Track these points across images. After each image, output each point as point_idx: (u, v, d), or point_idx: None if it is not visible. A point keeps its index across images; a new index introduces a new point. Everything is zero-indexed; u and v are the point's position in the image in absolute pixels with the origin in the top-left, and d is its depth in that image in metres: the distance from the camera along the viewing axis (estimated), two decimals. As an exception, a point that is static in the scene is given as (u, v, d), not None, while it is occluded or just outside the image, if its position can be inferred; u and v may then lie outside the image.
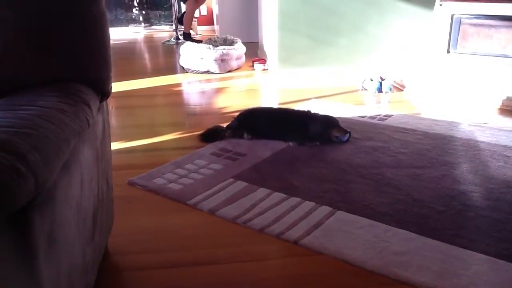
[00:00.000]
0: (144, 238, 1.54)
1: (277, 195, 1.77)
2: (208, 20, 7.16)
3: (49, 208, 0.73)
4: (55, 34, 1.06)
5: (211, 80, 3.90)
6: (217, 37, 4.70)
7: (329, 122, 2.37)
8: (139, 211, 1.71)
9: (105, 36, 1.15)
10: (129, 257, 1.44)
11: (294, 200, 1.73)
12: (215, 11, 6.47)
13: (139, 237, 1.54)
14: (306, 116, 2.39)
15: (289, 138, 2.32)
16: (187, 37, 5.88)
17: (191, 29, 6.03)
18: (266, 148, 2.25)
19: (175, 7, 6.20)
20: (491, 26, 3.13)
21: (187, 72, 4.15)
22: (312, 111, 2.44)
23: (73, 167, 0.87)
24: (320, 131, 2.32)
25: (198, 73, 4.09)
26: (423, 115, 2.84)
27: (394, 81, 3.50)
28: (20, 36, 1.04)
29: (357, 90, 3.44)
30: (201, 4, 5.92)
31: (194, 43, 5.96)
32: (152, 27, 7.46)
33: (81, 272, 0.95)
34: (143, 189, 1.86)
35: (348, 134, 2.37)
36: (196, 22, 6.76)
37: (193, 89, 3.72)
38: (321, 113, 2.43)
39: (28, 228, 0.65)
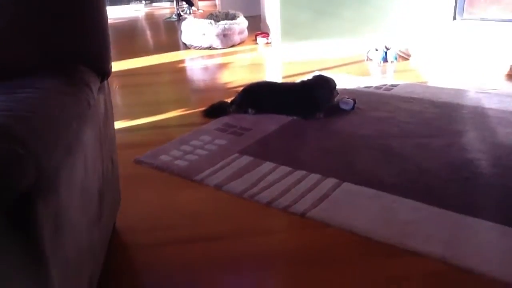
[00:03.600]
0: (151, 215, 1.55)
1: (283, 169, 1.77)
2: (209, -6, 7.06)
3: (53, 192, 0.72)
4: (51, 15, 1.05)
5: (214, 56, 3.87)
6: (219, 12, 4.64)
7: (331, 85, 2.36)
8: (146, 189, 1.72)
9: (102, 14, 1.13)
10: (137, 235, 1.45)
11: (300, 173, 1.73)
12: (216, -15, 6.37)
13: (146, 215, 1.55)
14: (307, 86, 2.37)
15: (293, 112, 2.31)
16: None
17: None
18: (271, 122, 2.24)
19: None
20: (498, -11, 3.05)
21: (189, 48, 4.12)
22: (305, 79, 2.44)
23: (76, 150, 0.87)
24: (330, 94, 2.33)
25: (200, 49, 4.05)
26: (429, 84, 2.80)
27: (400, 50, 3.45)
28: (16, 18, 1.02)
29: (362, 61, 3.40)
30: None
31: (185, 2, 5.96)
32: (153, 4, 7.38)
33: (89, 253, 0.96)
34: (149, 166, 1.86)
35: (353, 103, 2.35)
36: (197, -3, 6.68)
37: (196, 65, 3.69)
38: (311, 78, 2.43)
39: (32, 214, 0.64)
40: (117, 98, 2.90)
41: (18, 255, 0.64)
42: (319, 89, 2.33)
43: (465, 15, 3.21)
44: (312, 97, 2.31)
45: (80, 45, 1.10)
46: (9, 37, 1.02)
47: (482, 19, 3.13)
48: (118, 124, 2.21)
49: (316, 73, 2.44)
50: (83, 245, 0.91)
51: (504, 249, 1.28)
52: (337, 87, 2.36)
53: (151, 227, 1.49)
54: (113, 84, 2.99)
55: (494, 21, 3.08)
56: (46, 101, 0.80)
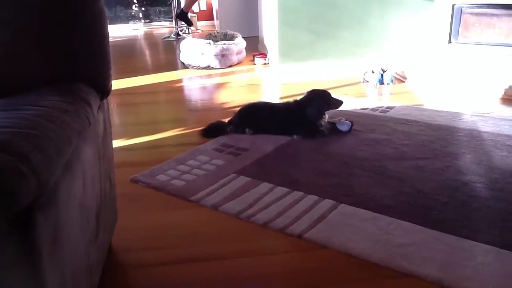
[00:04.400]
0: (148, 235, 1.54)
1: (280, 189, 1.77)
2: (208, 15, 7.13)
3: (52, 208, 0.72)
4: (54, 33, 1.06)
5: (212, 76, 3.89)
6: (217, 32, 4.69)
7: (321, 99, 2.37)
8: (142, 208, 1.71)
9: (104, 34, 1.15)
10: (133, 255, 1.44)
11: (297, 194, 1.73)
12: (215, 6, 6.45)
13: (143, 234, 1.55)
14: (299, 104, 2.39)
15: (294, 131, 2.32)
16: (183, 15, 5.91)
17: (192, 11, 6.10)
18: (268, 143, 2.24)
19: (175, 2, 6.18)
20: (493, 15, 3.10)
21: (187, 68, 4.15)
22: (299, 98, 2.44)
23: (75, 167, 0.87)
24: (318, 112, 2.33)
25: (198, 68, 4.08)
26: (425, 106, 2.83)
27: (396, 73, 3.49)
28: (20, 36, 1.04)
29: (358, 83, 3.43)
30: None
31: (184, 22, 6.05)
32: (152, 23, 7.45)
33: (85, 271, 0.95)
34: (146, 186, 1.86)
35: (350, 125, 2.37)
36: (196, 17, 6.75)
37: (194, 85, 3.71)
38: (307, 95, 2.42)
39: (32, 229, 0.65)
40: (115, 116, 2.90)
41: (16, 267, 0.64)
42: (308, 106, 2.34)
43: (460, 38, 3.26)
44: (304, 115, 2.33)
45: (81, 63, 1.11)
46: (12, 54, 1.03)
47: (477, 43, 3.18)
48: (115, 143, 2.21)
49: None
50: (80, 262, 0.90)
51: (501, 273, 1.27)
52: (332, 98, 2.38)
53: (147, 247, 1.48)
54: (111, 102, 3.00)
55: (488, 45, 3.13)
56: (47, 118, 0.81)
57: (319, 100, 2.36)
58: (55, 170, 0.74)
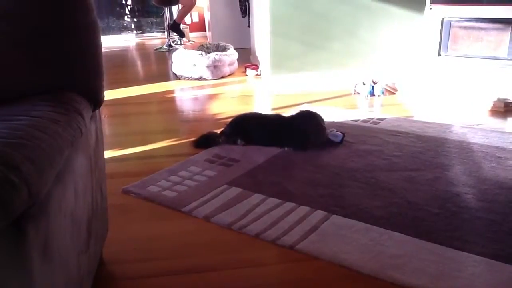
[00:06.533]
0: (139, 246, 1.53)
1: (272, 201, 1.77)
2: (200, 26, 7.16)
3: (43, 218, 0.72)
4: (47, 44, 1.06)
5: (204, 87, 3.90)
6: (209, 44, 4.71)
7: (319, 119, 2.37)
8: (133, 219, 1.71)
9: (97, 45, 1.15)
10: (125, 266, 1.43)
11: (289, 205, 1.73)
12: (207, 18, 6.48)
13: (134, 246, 1.54)
14: (296, 119, 2.39)
15: (284, 143, 2.32)
16: (176, 26, 5.95)
17: (184, 23, 6.14)
18: (260, 154, 2.25)
19: (167, 14, 6.21)
20: (481, 28, 3.15)
21: (179, 79, 4.15)
22: (295, 113, 2.44)
23: (67, 177, 0.87)
24: (318, 130, 2.34)
25: (190, 79, 4.09)
26: (415, 118, 2.85)
27: (386, 85, 3.52)
28: (12, 46, 1.03)
29: (349, 94, 3.46)
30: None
31: (176, 34, 6.11)
32: (144, 34, 7.46)
33: (76, 282, 0.95)
34: (138, 197, 1.85)
35: (342, 136, 2.38)
36: (188, 29, 6.78)
37: (186, 96, 3.71)
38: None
39: (22, 239, 0.64)
40: (107, 127, 2.89)
41: (7, 278, 0.63)
42: (308, 123, 2.35)
43: (449, 51, 3.30)
44: (301, 130, 2.33)
45: (74, 73, 1.11)
46: (5, 64, 1.03)
47: (466, 56, 3.22)
48: (107, 154, 2.20)
49: (304, 107, 2.46)
50: (71, 273, 0.90)
51: (492, 283, 1.28)
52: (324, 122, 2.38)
53: (139, 258, 1.47)
54: (103, 113, 3.00)
55: (477, 58, 3.17)
56: (39, 128, 0.80)
57: (318, 119, 2.37)
58: (47, 181, 0.74)
